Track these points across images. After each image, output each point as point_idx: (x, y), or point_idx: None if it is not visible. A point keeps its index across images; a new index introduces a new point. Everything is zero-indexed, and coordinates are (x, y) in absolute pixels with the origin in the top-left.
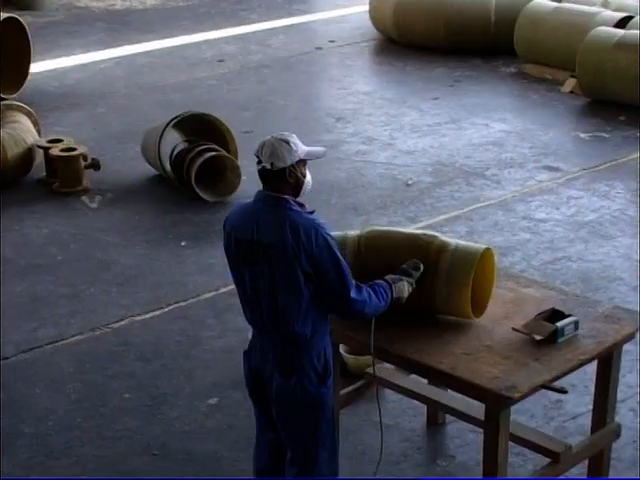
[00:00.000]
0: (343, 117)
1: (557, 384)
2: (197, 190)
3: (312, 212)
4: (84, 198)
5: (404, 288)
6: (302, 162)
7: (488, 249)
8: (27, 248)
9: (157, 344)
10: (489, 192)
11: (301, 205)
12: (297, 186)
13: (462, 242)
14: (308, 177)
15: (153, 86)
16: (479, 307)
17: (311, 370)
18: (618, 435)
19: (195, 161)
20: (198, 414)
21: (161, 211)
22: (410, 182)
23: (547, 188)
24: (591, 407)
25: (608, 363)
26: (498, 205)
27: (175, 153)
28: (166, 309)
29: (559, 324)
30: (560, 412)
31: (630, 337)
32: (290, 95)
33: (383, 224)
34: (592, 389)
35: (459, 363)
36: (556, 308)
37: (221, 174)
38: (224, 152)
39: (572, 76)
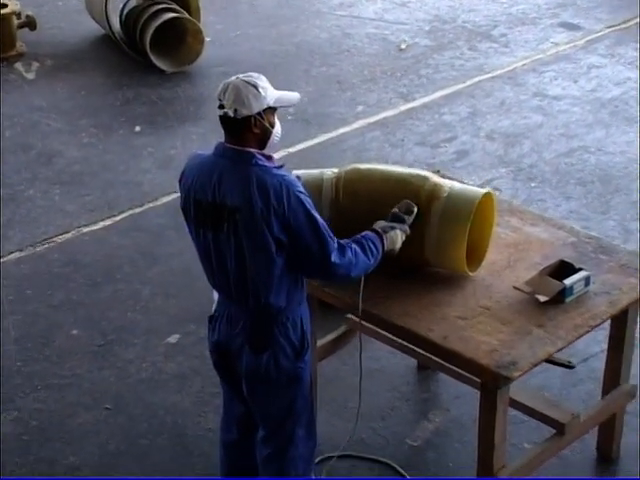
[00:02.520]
0: None
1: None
2: (153, 59)
3: (281, 166)
4: (18, 66)
5: (397, 238)
6: (271, 110)
7: (487, 194)
8: None
9: (108, 264)
10: (496, 59)
11: (268, 158)
12: (264, 137)
13: (457, 185)
14: (277, 127)
15: None
16: (476, 258)
17: (287, 344)
18: (633, 396)
19: (150, 24)
20: (156, 356)
21: (111, 85)
22: (403, 45)
23: (564, 54)
24: (605, 346)
25: (623, 322)
26: (506, 77)
27: (126, 11)
28: (118, 217)
29: (567, 282)
30: (569, 353)
31: None
32: None
33: (371, 103)
34: (606, 323)
35: (452, 331)
36: (565, 260)
37: (181, 39)
38: (184, 13)
39: None
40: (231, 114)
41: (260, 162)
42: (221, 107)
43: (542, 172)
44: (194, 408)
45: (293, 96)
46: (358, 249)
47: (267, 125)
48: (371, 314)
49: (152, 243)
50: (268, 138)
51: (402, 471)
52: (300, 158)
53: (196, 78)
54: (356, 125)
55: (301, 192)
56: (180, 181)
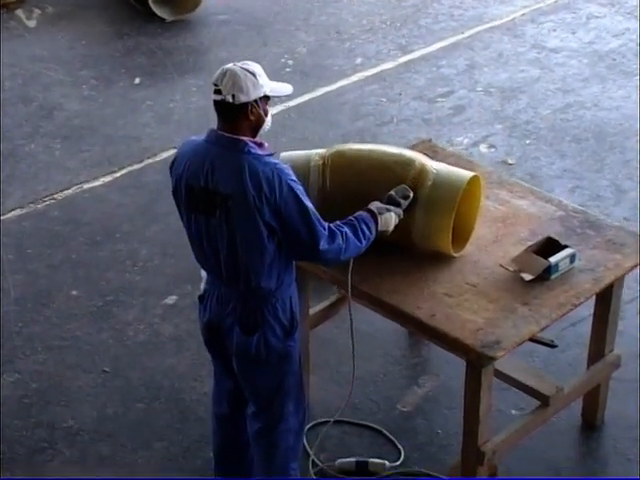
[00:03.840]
0: None
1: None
2: (153, 7)
3: (272, 154)
4: (19, 13)
5: (391, 220)
6: (266, 98)
7: (475, 177)
8: None
9: (108, 222)
10: (495, 8)
11: (260, 145)
12: (257, 125)
13: (444, 169)
14: (269, 116)
15: None
16: (463, 235)
17: (276, 324)
18: (617, 366)
19: None
20: (154, 318)
21: (111, 34)
22: None
23: (563, 3)
24: (593, 311)
25: (607, 298)
26: (505, 28)
27: None
28: (118, 174)
29: (553, 259)
30: None
31: (633, 268)
32: None
33: (370, 54)
34: None
35: (439, 309)
36: (552, 236)
37: None
38: None
39: None
40: (230, 99)
41: (252, 150)
42: (218, 92)
43: (537, 128)
44: (190, 372)
45: (286, 87)
46: (349, 233)
47: (262, 113)
48: (361, 291)
49: (151, 201)
50: (260, 126)
51: (392, 438)
52: (298, 113)
53: (196, 27)
54: (355, 78)
55: (293, 180)
56: (172, 166)
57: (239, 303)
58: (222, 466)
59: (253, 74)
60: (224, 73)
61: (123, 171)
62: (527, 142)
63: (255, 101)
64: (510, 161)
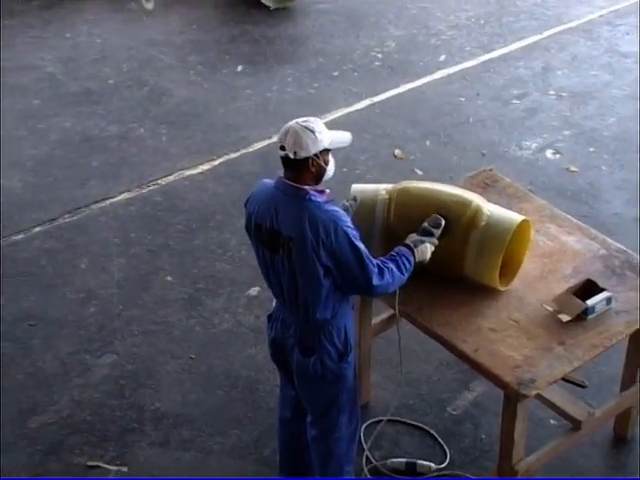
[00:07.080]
0: None
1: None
2: None
3: (331, 201)
4: None
5: (426, 251)
6: (326, 151)
7: (524, 221)
8: (77, 65)
9: (204, 211)
10: (574, 8)
11: (321, 192)
12: (318, 174)
13: (497, 212)
14: (331, 165)
15: None
16: (511, 270)
17: (332, 348)
18: None
19: None
20: (238, 308)
21: (219, 21)
22: None
23: None
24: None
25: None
26: (581, 30)
27: None
28: (216, 162)
29: (590, 302)
30: None
31: None
32: None
33: (454, 52)
34: None
35: (483, 344)
36: (591, 279)
37: None
38: None
39: None
40: (291, 156)
41: (313, 198)
42: (282, 149)
43: (602, 137)
44: (266, 363)
45: (346, 137)
46: (394, 268)
47: (322, 164)
48: (415, 320)
49: (243, 192)
50: (322, 175)
51: (440, 440)
52: (382, 109)
53: (298, 16)
54: (437, 75)
55: (348, 227)
56: (246, 203)
57: (299, 329)
58: (286, 462)
59: (312, 131)
60: (287, 131)
61: (221, 159)
62: (591, 150)
63: (315, 155)
64: (573, 168)
